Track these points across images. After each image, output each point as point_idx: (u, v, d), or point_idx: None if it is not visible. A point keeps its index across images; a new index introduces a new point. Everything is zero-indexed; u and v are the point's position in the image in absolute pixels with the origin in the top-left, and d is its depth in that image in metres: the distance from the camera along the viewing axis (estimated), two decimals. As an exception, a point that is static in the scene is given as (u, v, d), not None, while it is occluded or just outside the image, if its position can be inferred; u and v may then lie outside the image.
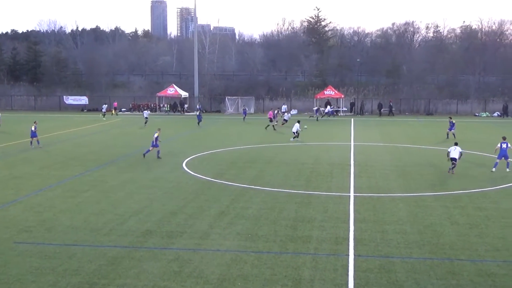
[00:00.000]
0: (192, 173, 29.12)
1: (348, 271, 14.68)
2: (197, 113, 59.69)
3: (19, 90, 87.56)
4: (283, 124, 53.35)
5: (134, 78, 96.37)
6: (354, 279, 14.13)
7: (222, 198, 23.26)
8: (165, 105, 77.10)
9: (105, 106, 69.82)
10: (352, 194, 24.05)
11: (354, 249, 16.51)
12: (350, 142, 42.78)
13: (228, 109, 75.25)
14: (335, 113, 72.07)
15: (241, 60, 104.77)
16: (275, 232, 18.31)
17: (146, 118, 56.45)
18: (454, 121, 45.85)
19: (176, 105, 76.86)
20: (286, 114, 57.98)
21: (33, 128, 38.12)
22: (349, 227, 18.85)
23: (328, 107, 70.10)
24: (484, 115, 72.71)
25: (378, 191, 24.86)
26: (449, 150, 29.76)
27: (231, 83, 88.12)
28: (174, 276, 14.33)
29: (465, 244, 17.19)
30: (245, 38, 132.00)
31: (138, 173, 29.27)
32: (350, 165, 31.79)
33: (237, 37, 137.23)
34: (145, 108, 73.31)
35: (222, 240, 17.55)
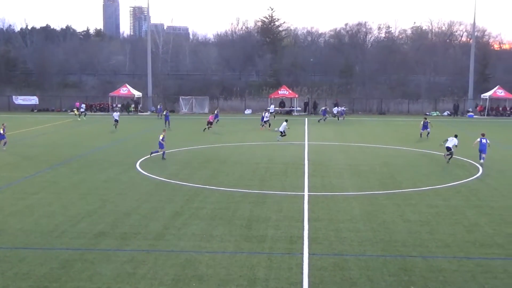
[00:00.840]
0: (146, 173, 28.81)
1: (302, 270, 14.78)
2: (164, 113, 57.00)
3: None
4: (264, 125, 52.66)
5: (86, 78, 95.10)
6: (309, 277, 14.23)
7: (176, 198, 23.10)
8: (118, 105, 75.67)
9: (83, 106, 68.55)
10: (306, 193, 24.16)
11: (308, 247, 16.61)
12: (304, 141, 43.03)
13: (182, 109, 74.79)
14: (344, 114, 66.46)
15: (195, 59, 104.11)
16: (230, 232, 18.30)
17: (116, 120, 52.29)
18: (429, 121, 46.69)
19: (129, 105, 75.93)
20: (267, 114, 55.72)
21: (1, 131, 37.01)
22: (303, 226, 18.95)
23: (337, 107, 66.70)
24: (435, 114, 74.11)
25: (332, 190, 25.07)
26: (447, 139, 32.73)
27: (185, 83, 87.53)
28: (128, 278, 14.17)
29: (416, 241, 17.49)
30: (199, 38, 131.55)
31: (90, 174, 28.80)
32: (304, 164, 31.96)
33: (191, 36, 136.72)
34: (115, 109, 70.79)
35: (176, 240, 17.45)
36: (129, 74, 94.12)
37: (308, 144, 41.16)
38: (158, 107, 67.82)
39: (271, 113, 54.67)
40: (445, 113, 74.79)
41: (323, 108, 66.48)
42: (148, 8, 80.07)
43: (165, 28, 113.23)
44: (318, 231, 18.29)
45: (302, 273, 14.52)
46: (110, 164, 31.81)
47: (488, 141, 32.33)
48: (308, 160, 33.38)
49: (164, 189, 25.11)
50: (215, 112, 57.94)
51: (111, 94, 76.14)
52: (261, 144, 41.42)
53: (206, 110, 74.15)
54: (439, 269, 14.94)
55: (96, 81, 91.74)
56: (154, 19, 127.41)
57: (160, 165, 31.34)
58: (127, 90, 75.83)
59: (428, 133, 45.44)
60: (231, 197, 23.38)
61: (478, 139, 32.53)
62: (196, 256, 15.93)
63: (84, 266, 15.03)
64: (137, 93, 76.50)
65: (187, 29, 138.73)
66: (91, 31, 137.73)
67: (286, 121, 44.82)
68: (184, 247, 16.77)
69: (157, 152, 33.47)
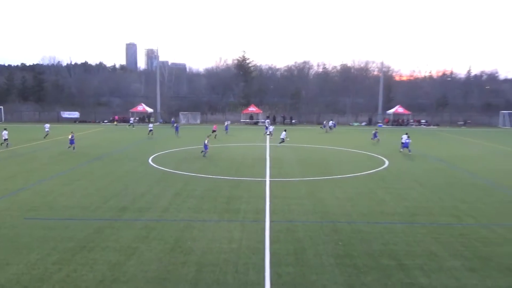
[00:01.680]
0: (156, 166, 28.60)
1: (265, 232, 14.86)
2: (175, 125, 54.01)
3: (27, 107, 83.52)
4: (268, 135, 48.39)
5: (113, 99, 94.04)
6: (270, 237, 14.32)
7: (177, 183, 22.96)
8: (135, 118, 74.45)
9: (132, 119, 67.02)
10: (268, 179, 24.22)
11: (269, 217, 16.70)
12: (266, 143, 43.11)
13: (181, 120, 74.45)
14: (335, 126, 61.62)
15: (190, 86, 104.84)
16: (215, 206, 18.27)
17: (151, 129, 49.83)
18: (378, 131, 45.86)
19: (144, 118, 75.24)
20: (270, 127, 51.21)
21: (70, 137, 35.72)
22: (265, 202, 19.01)
23: (332, 122, 62.34)
24: (356, 124, 74.89)
25: (286, 176, 25.18)
26: (401, 137, 36.56)
27: (183, 103, 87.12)
28: (143, 240, 14.09)
29: (343, 211, 17.69)
30: (193, 71, 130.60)
31: (116, 166, 28.40)
32: (266, 159, 32.00)
33: (187, 70, 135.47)
34: (149, 120, 68.00)
35: (177, 213, 17.37)
36: (143, 96, 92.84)
37: (269, 145, 41.24)
38: (172, 120, 67.12)
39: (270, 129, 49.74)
40: (363, 123, 75.60)
41: (326, 121, 62.36)
42: (157, 50, 79.53)
43: (169, 64, 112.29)
44: (276, 205, 18.38)
45: (265, 235, 14.61)
46: (130, 159, 31.43)
47: (410, 140, 35.37)
48: (269, 156, 33.46)
49: (168, 177, 24.93)
50: (225, 124, 56.15)
51: (131, 110, 75.27)
52: (237, 145, 41.36)
53: (198, 122, 74.08)
54: (358, 231, 15.16)
55: (120, 101, 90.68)
56: (162, 58, 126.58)
57: (166, 160, 31.04)
58: (142, 107, 75.21)
59: (378, 140, 43.47)
60: (216, 182, 23.33)
61: (402, 137, 36.12)
62: (191, 223, 15.89)
63: (112, 231, 14.90)
64: (149, 109, 75.80)
65: (185, 65, 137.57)
66: (117, 65, 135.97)
67: (285, 130, 43.56)
68: (183, 217, 16.71)
69: (206, 150, 33.02)
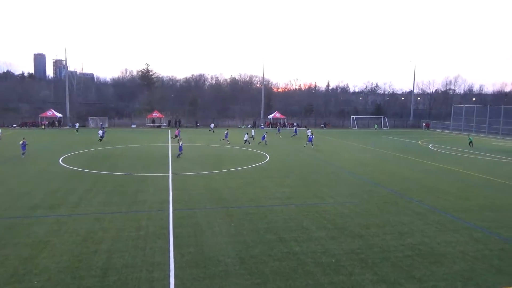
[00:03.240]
0: (66, 165, 26.24)
1: (169, 219, 14.48)
2: (101, 131, 44.26)
3: None
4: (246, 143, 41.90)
5: (22, 105, 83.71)
6: (173, 223, 13.99)
7: (87, 180, 21.32)
8: (45, 122, 67.16)
9: (77, 124, 59.52)
10: (170, 174, 23.63)
11: (172, 206, 16.32)
12: (169, 143, 42.05)
13: (90, 124, 69.25)
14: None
15: (98, 93, 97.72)
16: (124, 200, 17.32)
17: (102, 136, 42.14)
18: (312, 135, 42.95)
19: (54, 122, 68.27)
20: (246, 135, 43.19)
21: (21, 143, 30.68)
22: (169, 193, 18.53)
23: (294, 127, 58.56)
24: (243, 127, 76.39)
25: (186, 171, 24.76)
26: (307, 132, 39.38)
27: (92, 109, 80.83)
28: (55, 233, 12.83)
29: (234, 198, 17.92)
30: (101, 80, 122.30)
31: (28, 166, 25.49)
32: (169, 156, 31.24)
33: (95, 79, 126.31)
34: (101, 126, 58.43)
35: (88, 207, 16.12)
36: (53, 102, 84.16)
37: (171, 145, 40.27)
38: (100, 123, 61.67)
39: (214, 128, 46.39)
40: (249, 126, 77.39)
41: (308, 130, 56.78)
42: (66, 60, 72.46)
43: (78, 73, 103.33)
44: (178, 196, 18.02)
45: (169, 221, 14.23)
46: (42, 160, 28.43)
47: (313, 134, 37.98)
48: (171, 154, 32.69)
49: (79, 175, 23.01)
50: (179, 129, 50.87)
51: (41, 115, 67.92)
52: (143, 145, 39.67)
53: (106, 125, 69.45)
54: (247, 213, 15.49)
55: (29, 107, 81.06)
56: (71, 67, 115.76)
57: (75, 160, 28.65)
58: (52, 112, 68.18)
59: (312, 144, 39.44)
60: (124, 179, 22.12)
61: (306, 132, 38.90)
62: (101, 215, 14.87)
63: (23, 228, 13.34)
64: (59, 115, 69.03)
65: (93, 74, 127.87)
66: (25, 73, 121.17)
67: (266, 133, 45.10)
68: (93, 211, 15.56)
69: (180, 153, 30.93)
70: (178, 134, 46.18)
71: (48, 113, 68.30)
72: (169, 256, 11.15)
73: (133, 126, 70.98)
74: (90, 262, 10.68)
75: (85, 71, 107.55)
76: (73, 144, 39.80)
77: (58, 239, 12.29)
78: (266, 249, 11.83)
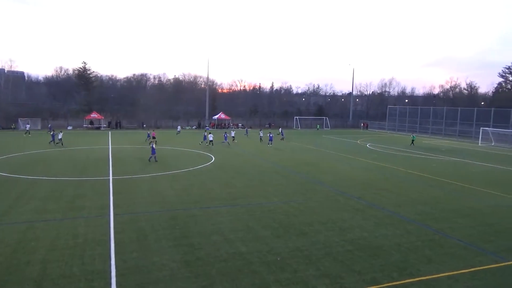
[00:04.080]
0: (-7, 171, 24.17)
1: (110, 225, 13.89)
2: (51, 133, 42.01)
3: None
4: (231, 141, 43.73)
5: None
6: (114, 229, 13.44)
7: (19, 186, 19.81)
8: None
9: (28, 126, 55.09)
10: (111, 177, 22.66)
11: (113, 211, 15.67)
12: (109, 145, 40.30)
13: (21, 126, 64.33)
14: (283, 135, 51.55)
15: (30, 93, 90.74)
16: (59, 206, 16.33)
17: (60, 139, 39.78)
18: (272, 134, 43.68)
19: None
20: (225, 134, 44.10)
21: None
22: (109, 197, 17.78)
23: (281, 130, 53.79)
24: (188, 128, 75.18)
25: (127, 174, 23.89)
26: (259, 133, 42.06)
27: (22, 109, 74.91)
28: (-20, 245, 11.77)
29: (180, 200, 17.62)
30: (33, 79, 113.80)
31: None
32: (109, 159, 29.96)
33: (26, 78, 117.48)
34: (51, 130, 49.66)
35: (19, 215, 14.98)
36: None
37: (111, 147, 38.63)
38: (49, 126, 57.15)
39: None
40: (194, 127, 76.53)
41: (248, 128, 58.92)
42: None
43: (6, 71, 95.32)
44: (119, 200, 17.34)
45: (109, 227, 13.65)
46: (-37, 166, 25.95)
47: (273, 135, 39.86)
48: (111, 157, 31.35)
49: (9, 181, 21.30)
50: (152, 131, 48.06)
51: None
52: (81, 148, 37.62)
53: (39, 127, 65.05)
54: (193, 215, 15.30)
55: None
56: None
57: (5, 166, 26.50)
58: (-25, 113, 62.62)
59: (272, 143, 41.01)
60: (59, 184, 20.84)
61: (268, 134, 40.14)
62: (34, 224, 13.89)
63: None
64: (-16, 116, 63.55)
65: (23, 73, 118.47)
66: None
67: (234, 131, 46.58)
68: (25, 219, 14.49)
69: (153, 155, 29.17)
70: (153, 135, 45.07)
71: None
72: (110, 264, 10.69)
73: (69, 128, 67.23)
74: (22, 274, 9.94)
75: (14, 69, 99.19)
76: (3, 147, 36.73)
77: (-17, 252, 11.28)
78: (212, 250, 11.76)
